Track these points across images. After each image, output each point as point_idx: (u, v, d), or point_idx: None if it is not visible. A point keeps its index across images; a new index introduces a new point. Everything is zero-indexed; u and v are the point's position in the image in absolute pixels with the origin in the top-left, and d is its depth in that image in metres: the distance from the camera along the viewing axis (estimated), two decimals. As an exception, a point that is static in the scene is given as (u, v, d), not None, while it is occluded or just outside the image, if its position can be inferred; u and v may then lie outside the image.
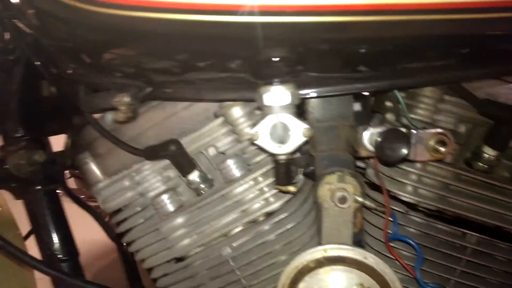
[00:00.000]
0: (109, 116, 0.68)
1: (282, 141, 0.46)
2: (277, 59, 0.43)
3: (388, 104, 0.58)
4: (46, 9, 0.45)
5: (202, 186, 0.64)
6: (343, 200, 0.50)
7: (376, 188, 0.59)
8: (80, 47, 0.49)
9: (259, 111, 0.61)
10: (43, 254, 0.67)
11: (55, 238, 0.67)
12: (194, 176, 0.63)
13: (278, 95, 0.46)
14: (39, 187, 0.66)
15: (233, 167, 0.62)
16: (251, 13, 0.39)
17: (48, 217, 0.67)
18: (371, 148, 0.48)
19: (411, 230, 0.58)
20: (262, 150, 0.51)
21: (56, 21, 0.46)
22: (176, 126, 0.63)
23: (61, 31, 0.47)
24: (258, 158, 0.61)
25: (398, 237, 0.54)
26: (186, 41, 0.43)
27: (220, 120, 0.62)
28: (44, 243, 0.67)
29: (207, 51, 0.44)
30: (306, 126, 0.46)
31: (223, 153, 0.64)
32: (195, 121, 0.63)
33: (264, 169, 0.59)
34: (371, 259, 0.47)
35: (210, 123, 0.62)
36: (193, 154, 0.63)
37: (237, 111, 0.60)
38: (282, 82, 0.45)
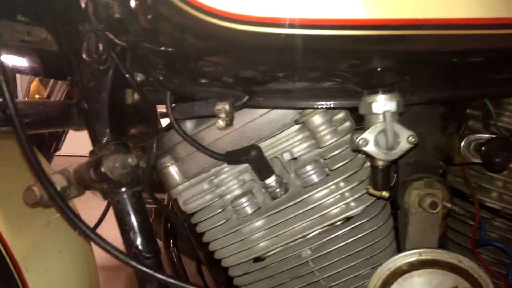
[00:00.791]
0: (189, 124, 0.72)
1: (389, 147, 0.48)
2: (385, 69, 0.45)
3: (471, 112, 0.59)
4: (165, 14, 0.47)
5: (278, 190, 0.67)
6: (433, 205, 0.52)
7: (455, 193, 0.61)
8: (184, 54, 0.53)
9: (336, 118, 0.64)
10: (129, 251, 0.72)
11: (140, 237, 0.71)
12: (271, 180, 0.66)
13: (385, 104, 0.48)
14: (126, 189, 0.71)
15: (312, 172, 0.65)
16: (361, 28, 0.42)
17: (134, 217, 0.71)
18: (470, 155, 0.50)
19: (494, 235, 0.59)
20: (367, 156, 0.53)
21: (169, 27, 0.49)
22: (253, 132, 0.67)
23: (171, 37, 0.51)
24: (338, 164, 0.63)
25: (488, 242, 0.55)
26: (292, 54, 0.46)
27: (297, 126, 0.65)
28: (130, 241, 0.71)
29: (312, 63, 0.47)
30: (412, 133, 0.48)
31: (295, 158, 0.67)
32: (272, 127, 0.66)
33: (346, 175, 0.62)
34: (466, 263, 0.49)
35: (287, 129, 0.66)
36: (268, 159, 0.66)
37: (318, 119, 0.62)
38: (389, 91, 0.48)
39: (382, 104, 0.48)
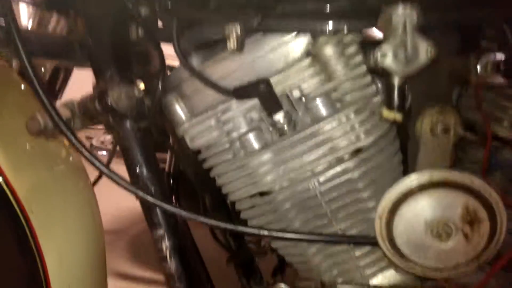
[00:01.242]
0: (195, 60, 0.71)
1: (408, 60, 0.47)
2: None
3: (486, 44, 0.58)
4: None
5: (286, 126, 0.66)
6: (445, 131, 0.51)
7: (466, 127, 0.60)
8: None
9: (348, 52, 0.62)
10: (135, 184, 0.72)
11: (146, 170, 0.71)
12: (280, 116, 0.65)
13: (405, 15, 0.47)
14: (132, 122, 0.70)
15: (322, 105, 0.64)
16: None
17: (139, 151, 0.71)
18: (487, 75, 0.49)
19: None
20: (383, 75, 0.52)
21: None
22: (262, 68, 0.65)
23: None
24: (349, 96, 0.62)
25: (499, 167, 0.55)
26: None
27: (307, 60, 0.64)
28: (136, 175, 0.71)
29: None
30: (431, 43, 0.47)
31: (304, 96, 0.65)
32: (282, 62, 0.64)
33: (357, 106, 0.61)
34: (477, 183, 0.49)
35: (297, 63, 0.64)
36: (277, 96, 0.65)
37: (330, 50, 0.61)
38: (409, 2, 0.46)
39: (402, 15, 0.47)
